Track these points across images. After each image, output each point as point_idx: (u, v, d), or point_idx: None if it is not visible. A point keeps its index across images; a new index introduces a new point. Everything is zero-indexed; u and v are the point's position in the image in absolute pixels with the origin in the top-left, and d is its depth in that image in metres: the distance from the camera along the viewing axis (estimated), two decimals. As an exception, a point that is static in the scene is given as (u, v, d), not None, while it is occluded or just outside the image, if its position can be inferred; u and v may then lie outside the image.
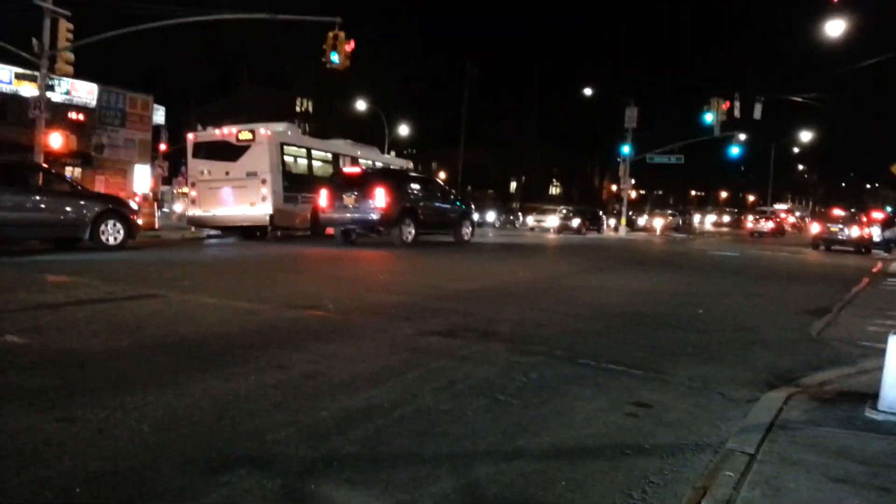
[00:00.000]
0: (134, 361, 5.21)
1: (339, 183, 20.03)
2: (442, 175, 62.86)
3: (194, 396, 4.40)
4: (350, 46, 21.28)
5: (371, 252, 17.96)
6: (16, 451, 3.42)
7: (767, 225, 51.28)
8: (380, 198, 18.82)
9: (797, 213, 76.60)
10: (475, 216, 24.67)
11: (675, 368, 5.79)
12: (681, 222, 51.49)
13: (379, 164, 25.93)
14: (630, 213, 46.45)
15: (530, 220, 43.25)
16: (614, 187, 71.19)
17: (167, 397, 4.36)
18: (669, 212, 55.82)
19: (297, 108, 68.13)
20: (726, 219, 69.69)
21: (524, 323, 7.62)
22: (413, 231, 19.74)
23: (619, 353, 6.29)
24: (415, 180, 21.81)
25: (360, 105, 50.21)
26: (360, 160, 24.94)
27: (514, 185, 75.69)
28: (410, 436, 3.87)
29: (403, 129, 53.46)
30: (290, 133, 22.75)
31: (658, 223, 46.57)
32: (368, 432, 3.89)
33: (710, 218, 66.72)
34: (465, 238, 22.36)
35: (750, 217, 59.43)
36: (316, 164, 23.18)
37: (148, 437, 3.69)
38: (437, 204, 21.34)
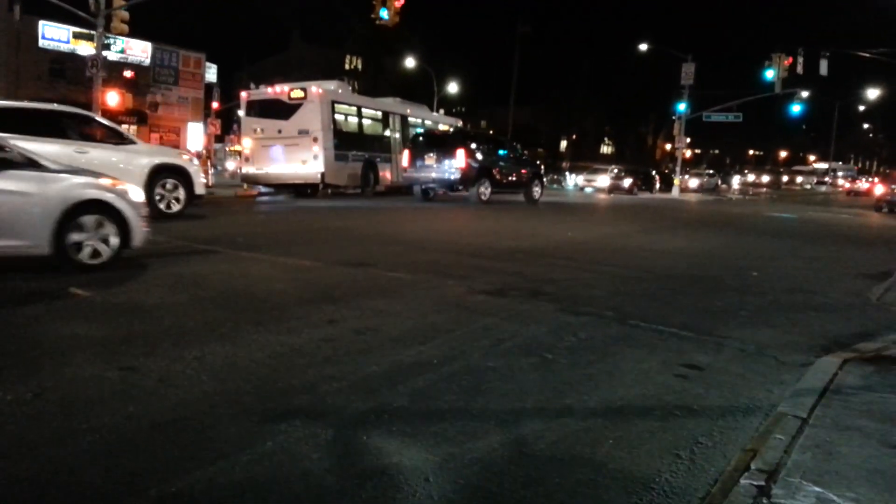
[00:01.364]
0: (192, 315, 5.39)
1: (421, 144, 21.12)
2: (491, 132, 62.25)
3: (250, 349, 4.54)
4: (400, 2, 21.11)
5: (443, 209, 18.36)
6: (83, 398, 3.61)
7: (864, 185, 55.90)
8: (460, 158, 19.96)
9: (840, 173, 74.17)
10: (544, 177, 25.26)
11: (728, 331, 5.72)
12: (718, 182, 50.00)
13: (428, 123, 25.87)
14: (665, 173, 45.11)
15: (580, 179, 42.57)
16: (669, 146, 69.48)
17: (225, 349, 4.52)
18: (708, 171, 54.31)
19: (347, 67, 68.02)
20: (765, 178, 67.44)
21: (574, 283, 7.59)
22: (489, 190, 20.75)
23: (669, 314, 6.23)
24: (491, 141, 22.96)
25: (410, 63, 49.84)
26: (410, 118, 24.92)
27: (564, 143, 74.52)
28: (459, 391, 3.94)
29: (452, 87, 52.85)
30: (340, 91, 22.81)
31: (693, 183, 45.01)
32: (418, 387, 3.97)
33: (748, 177, 64.67)
34: (535, 197, 23.04)
35: (840, 177, 61.34)
36: (366, 122, 23.23)
37: (207, 386, 3.85)
38: (510, 165, 22.30)
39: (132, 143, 10.98)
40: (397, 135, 24.05)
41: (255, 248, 9.17)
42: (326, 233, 11.80)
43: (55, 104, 12.95)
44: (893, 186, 30.88)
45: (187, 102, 46.63)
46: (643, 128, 77.19)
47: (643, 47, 42.20)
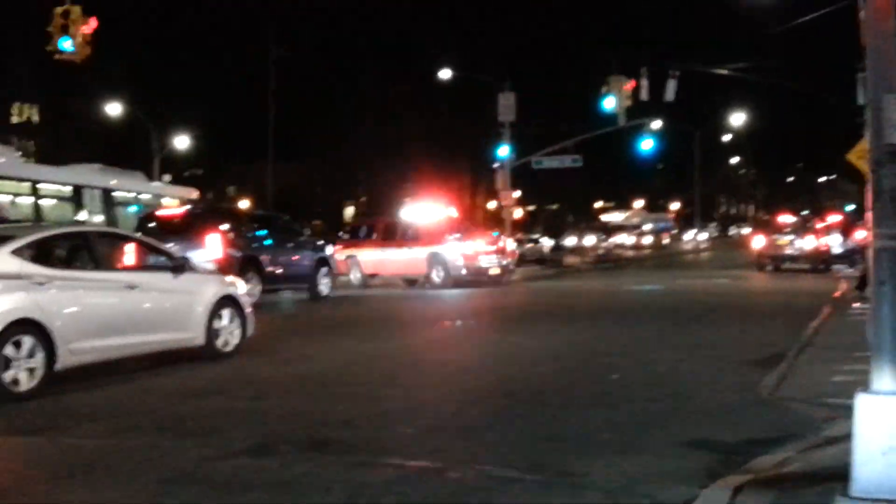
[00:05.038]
0: None
1: (153, 230, 20.30)
2: (245, 203, 61.85)
3: None
4: (90, 27, 20.71)
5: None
6: None
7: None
8: (214, 247, 19.69)
9: (648, 226, 80.00)
10: (334, 262, 25.62)
11: (587, 465, 5.95)
12: (545, 250, 50.98)
13: (146, 197, 25.29)
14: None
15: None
16: (493, 204, 72.73)
17: None
18: (532, 237, 55.28)
19: (15, 119, 65.06)
20: (592, 240, 69.03)
21: (373, 419, 7.59)
22: (259, 288, 20.42)
23: (507, 450, 6.39)
24: (257, 219, 23.84)
25: (113, 109, 48.42)
26: (117, 193, 24.21)
27: (350, 210, 75.65)
28: None
29: (182, 142, 52.14)
30: (2, 160, 21.78)
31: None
32: None
33: (565, 240, 67.58)
34: (324, 292, 23.41)
35: None
36: (46, 203, 22.22)
37: None
38: (286, 250, 22.54)
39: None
40: (98, 218, 23.23)
41: None
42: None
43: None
44: (775, 237, 34.12)
45: None
46: (457, 182, 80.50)
47: (445, 74, 44.01)
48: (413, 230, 28.34)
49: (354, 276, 28.58)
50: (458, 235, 28.16)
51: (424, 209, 31.11)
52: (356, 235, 30.21)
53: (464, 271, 27.25)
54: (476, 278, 27.30)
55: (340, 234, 33.03)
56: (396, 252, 27.64)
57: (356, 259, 28.72)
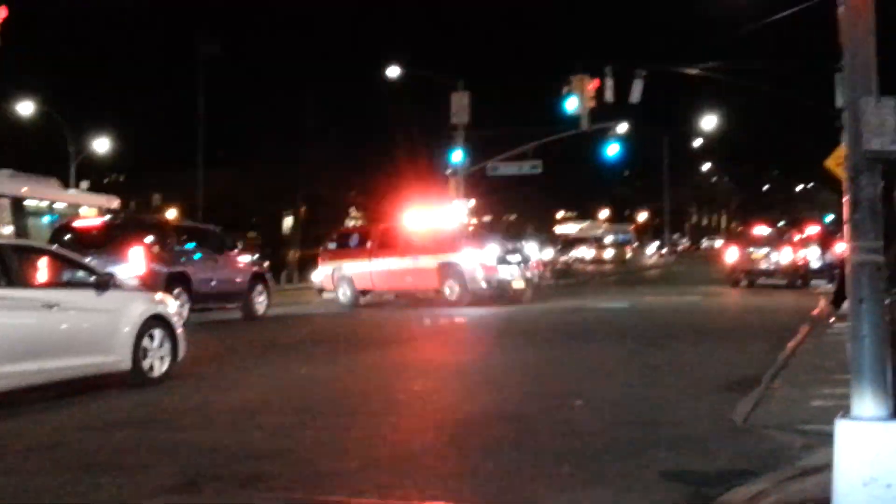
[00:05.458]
0: None
1: (70, 241, 20.24)
2: (172, 212, 61.25)
3: None
4: (0, 16, 20.50)
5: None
6: None
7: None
8: (137, 261, 19.73)
9: (609, 238, 79.79)
10: (269, 277, 25.58)
11: (547, 499, 6.00)
12: None
13: (61, 206, 25.03)
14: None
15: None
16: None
17: None
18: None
19: None
20: (549, 254, 68.26)
21: (313, 451, 7.56)
22: (187, 307, 20.20)
23: (461, 484, 6.41)
24: (184, 232, 23.65)
25: (25, 109, 47.53)
26: (27, 201, 23.89)
27: (289, 220, 75.05)
28: None
29: (101, 145, 51.44)
30: None
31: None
32: None
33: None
34: (259, 311, 23.44)
35: None
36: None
37: None
38: (217, 265, 22.58)
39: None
40: (8, 229, 22.91)
41: None
42: None
43: None
44: (750, 250, 34.46)
45: None
46: (406, 190, 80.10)
47: (393, 72, 43.81)
48: (419, 236, 26.70)
49: (343, 293, 27.56)
50: (475, 241, 26.49)
51: (430, 212, 29.15)
52: (345, 244, 28.78)
53: (484, 284, 25.12)
54: (497, 294, 25.52)
55: (326, 243, 30.89)
56: (398, 262, 26.23)
57: (345, 273, 27.57)
